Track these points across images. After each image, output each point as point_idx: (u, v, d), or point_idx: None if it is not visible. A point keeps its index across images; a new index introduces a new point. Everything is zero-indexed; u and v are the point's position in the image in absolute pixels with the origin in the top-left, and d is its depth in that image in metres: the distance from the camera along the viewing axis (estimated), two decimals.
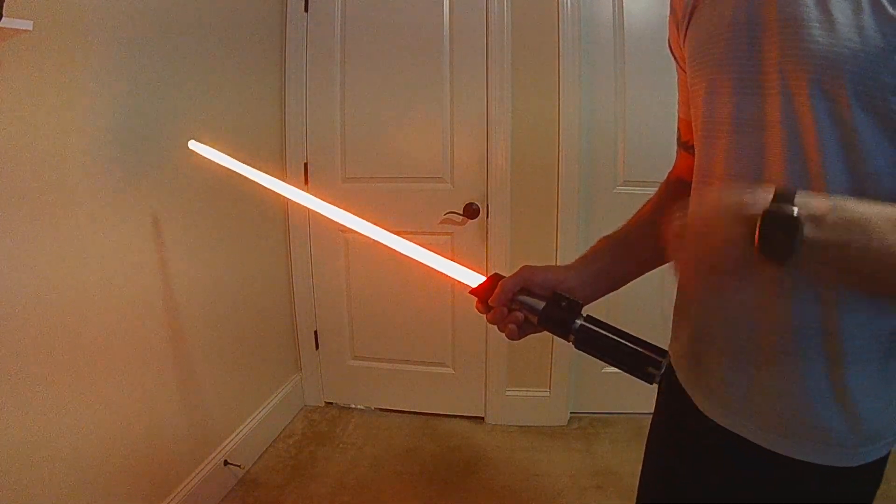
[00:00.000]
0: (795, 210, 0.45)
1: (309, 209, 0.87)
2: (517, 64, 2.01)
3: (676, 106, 0.78)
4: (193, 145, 1.25)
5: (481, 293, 0.68)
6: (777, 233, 0.46)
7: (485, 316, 0.69)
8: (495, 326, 0.68)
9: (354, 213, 0.81)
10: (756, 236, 0.46)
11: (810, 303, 0.56)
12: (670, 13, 0.72)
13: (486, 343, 2.19)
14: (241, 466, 1.82)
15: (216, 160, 1.15)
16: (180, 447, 1.57)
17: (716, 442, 0.65)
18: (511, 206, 2.07)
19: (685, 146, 0.77)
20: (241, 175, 1.03)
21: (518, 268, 0.71)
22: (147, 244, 1.43)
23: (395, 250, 0.77)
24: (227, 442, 1.80)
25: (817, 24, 0.51)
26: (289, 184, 0.94)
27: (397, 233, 0.77)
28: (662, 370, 0.57)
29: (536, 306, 0.66)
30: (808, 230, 0.45)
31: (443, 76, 2.07)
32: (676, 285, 0.73)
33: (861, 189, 0.52)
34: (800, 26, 0.52)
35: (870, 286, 0.51)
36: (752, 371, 0.61)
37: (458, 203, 2.10)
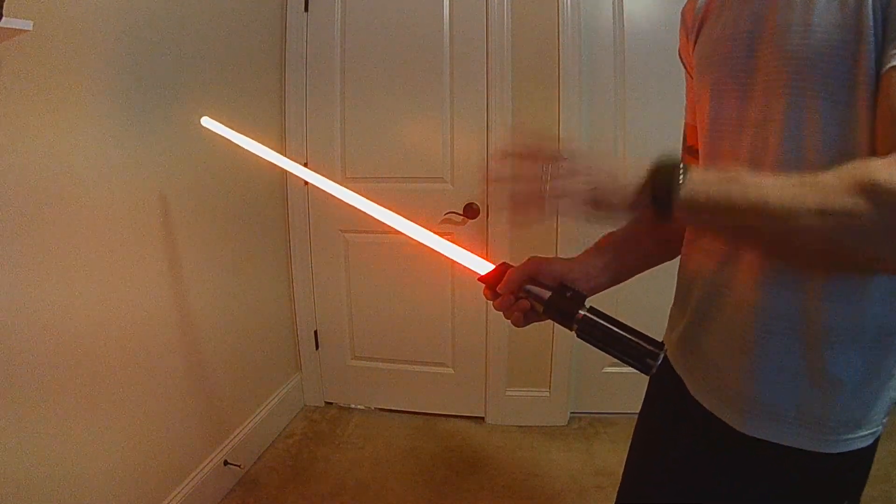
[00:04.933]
0: (680, 163, 0.52)
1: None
2: (517, 63, 2.01)
3: (683, 111, 0.81)
4: (206, 122, 1.24)
5: (490, 280, 0.71)
6: (662, 175, 0.52)
7: (492, 303, 0.72)
8: (501, 314, 0.72)
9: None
10: (646, 181, 0.52)
11: (791, 290, 0.58)
12: (681, 24, 0.76)
13: (486, 343, 2.18)
14: (241, 466, 1.82)
15: (229, 137, 1.15)
16: (180, 447, 1.57)
17: (704, 426, 0.67)
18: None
19: (690, 151, 0.80)
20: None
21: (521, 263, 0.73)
22: (146, 244, 1.43)
23: (407, 241, 0.79)
24: (226, 442, 1.80)
25: (804, 26, 0.54)
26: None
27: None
28: (659, 362, 0.61)
29: (542, 296, 0.68)
30: (691, 175, 0.51)
31: (443, 75, 2.07)
32: (678, 279, 0.76)
33: None
34: (793, 29, 0.55)
35: (749, 238, 0.55)
36: (738, 355, 0.63)
37: (458, 203, 2.10)
